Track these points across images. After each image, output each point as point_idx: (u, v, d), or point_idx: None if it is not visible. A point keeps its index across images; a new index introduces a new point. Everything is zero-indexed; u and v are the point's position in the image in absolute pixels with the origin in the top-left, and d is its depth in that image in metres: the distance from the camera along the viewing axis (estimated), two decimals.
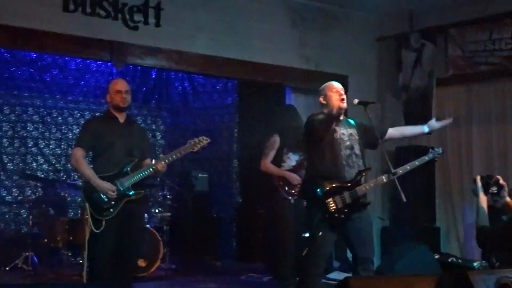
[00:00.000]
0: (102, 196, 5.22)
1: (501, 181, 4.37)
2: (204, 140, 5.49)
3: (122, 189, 5.25)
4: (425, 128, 5.66)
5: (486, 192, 4.37)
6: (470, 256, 8.71)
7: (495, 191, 4.36)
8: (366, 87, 9.49)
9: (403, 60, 9.45)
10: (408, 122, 9.30)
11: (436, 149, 5.70)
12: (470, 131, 9.16)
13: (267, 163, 6.90)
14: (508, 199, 4.33)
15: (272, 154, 6.87)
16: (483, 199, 4.34)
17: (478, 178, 4.39)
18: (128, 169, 5.33)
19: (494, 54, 8.63)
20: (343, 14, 9.36)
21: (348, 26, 9.41)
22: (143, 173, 5.35)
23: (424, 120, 9.00)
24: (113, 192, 5.19)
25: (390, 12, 9.42)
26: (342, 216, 5.06)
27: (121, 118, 5.47)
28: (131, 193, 5.29)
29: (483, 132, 9.05)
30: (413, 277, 3.94)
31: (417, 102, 9.25)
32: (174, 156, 5.42)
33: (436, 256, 7.18)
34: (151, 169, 5.35)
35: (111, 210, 5.21)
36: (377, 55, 9.74)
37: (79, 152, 5.34)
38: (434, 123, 5.65)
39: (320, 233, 5.03)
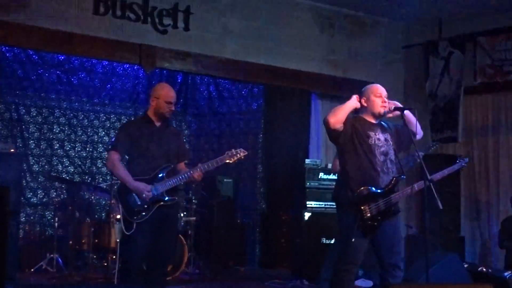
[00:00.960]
0: (136, 198, 5.20)
1: None
2: (242, 153, 5.47)
3: (156, 194, 5.24)
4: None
5: None
6: (494, 266, 8.66)
7: None
8: (393, 94, 9.35)
9: (430, 68, 9.39)
10: (435, 130, 9.26)
11: (464, 159, 5.72)
12: (498, 140, 9.11)
13: (337, 164, 6.32)
14: None
15: None
16: None
17: None
18: (164, 174, 5.32)
19: None
20: (371, 21, 9.34)
21: (376, 33, 9.39)
22: (179, 179, 5.34)
23: (451, 129, 9.10)
24: (149, 191, 5.18)
25: (418, 19, 9.38)
26: (375, 223, 5.00)
27: (157, 121, 5.46)
28: (166, 198, 5.28)
29: (511, 141, 8.98)
30: (452, 286, 3.91)
31: (444, 110, 9.19)
32: (210, 165, 5.39)
33: (465, 265, 7.11)
34: (187, 175, 5.32)
35: (143, 213, 5.19)
36: (405, 63, 9.70)
37: (115, 155, 5.33)
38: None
39: (353, 240, 4.97)
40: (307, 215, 8.31)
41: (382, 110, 5.17)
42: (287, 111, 9.81)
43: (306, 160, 8.66)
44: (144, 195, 5.18)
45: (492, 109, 9.17)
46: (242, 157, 5.48)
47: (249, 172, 10.20)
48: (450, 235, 8.97)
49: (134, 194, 5.23)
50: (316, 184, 8.42)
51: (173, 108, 5.46)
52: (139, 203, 5.20)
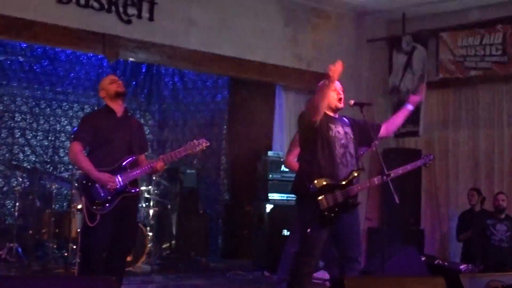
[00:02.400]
0: (99, 190, 5.18)
1: None
2: (204, 143, 5.48)
3: (120, 185, 5.22)
4: (409, 106, 5.56)
5: None
6: (452, 259, 8.81)
7: None
8: (357, 87, 9.53)
9: (394, 62, 9.50)
10: None
11: (428, 155, 5.78)
12: (458, 135, 9.24)
13: (290, 160, 6.38)
14: None
15: (297, 150, 6.06)
16: None
17: None
18: (127, 165, 5.30)
19: (484, 59, 8.69)
20: (336, 14, 9.39)
21: (341, 26, 9.44)
22: (142, 171, 5.33)
23: (412, 123, 9.20)
24: (113, 182, 5.16)
25: (383, 14, 9.46)
26: (332, 214, 5.05)
27: (119, 111, 5.42)
28: (129, 190, 5.27)
29: (471, 136, 9.14)
30: (406, 278, 3.98)
31: None
32: (173, 156, 5.40)
33: (423, 258, 7.23)
34: (149, 166, 5.32)
35: (107, 204, 5.17)
36: (369, 56, 9.77)
37: (77, 146, 5.28)
38: (414, 97, 5.57)
39: (309, 231, 5.01)
40: (269, 207, 8.36)
41: (337, 104, 5.22)
42: (251, 103, 9.82)
43: (268, 152, 8.70)
44: (108, 185, 5.16)
45: (453, 104, 9.31)
46: (204, 148, 5.48)
47: (213, 163, 10.22)
48: (410, 228, 9.09)
49: (97, 185, 5.20)
50: (279, 176, 8.48)
51: (120, 82, 5.43)
52: (102, 194, 5.18)
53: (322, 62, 9.20)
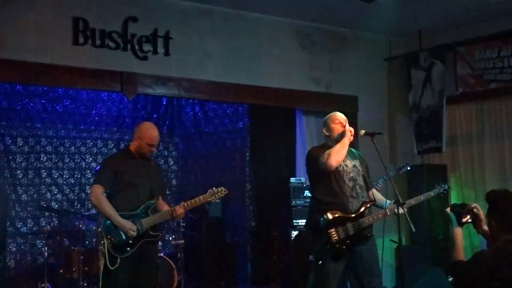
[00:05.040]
0: (121, 234, 5.27)
1: (476, 210, 3.93)
2: (223, 191, 5.60)
3: (141, 230, 5.32)
4: (385, 204, 5.53)
5: (459, 223, 3.91)
6: None
7: (470, 221, 3.93)
8: (377, 107, 9.52)
9: (412, 79, 9.44)
10: (420, 141, 9.31)
11: (442, 185, 5.79)
12: (482, 148, 9.15)
13: None
14: (486, 228, 3.88)
15: None
16: (458, 232, 3.91)
17: (448, 209, 3.97)
18: (148, 211, 5.40)
19: (503, 71, 8.62)
20: (352, 35, 9.38)
21: (357, 47, 9.43)
22: (162, 216, 5.44)
23: (435, 140, 9.12)
24: (134, 231, 5.25)
25: (398, 31, 9.43)
26: (344, 247, 5.08)
27: (139, 158, 5.53)
28: (150, 234, 5.37)
29: (495, 149, 9.05)
30: None
31: (428, 121, 9.24)
32: (193, 203, 5.50)
33: (450, 279, 7.12)
34: (169, 212, 5.42)
35: (128, 249, 5.28)
36: (387, 75, 9.75)
37: (99, 190, 5.36)
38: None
39: (320, 262, 5.06)
40: (294, 233, 8.34)
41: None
42: (272, 128, 9.84)
43: (291, 179, 8.68)
44: (129, 234, 5.26)
45: (475, 117, 9.23)
46: (223, 195, 5.60)
47: (238, 191, 10.22)
48: (440, 245, 8.99)
49: (120, 230, 5.29)
50: (302, 202, 8.46)
51: (154, 150, 5.53)
52: (124, 238, 5.27)
53: (340, 84, 9.22)
